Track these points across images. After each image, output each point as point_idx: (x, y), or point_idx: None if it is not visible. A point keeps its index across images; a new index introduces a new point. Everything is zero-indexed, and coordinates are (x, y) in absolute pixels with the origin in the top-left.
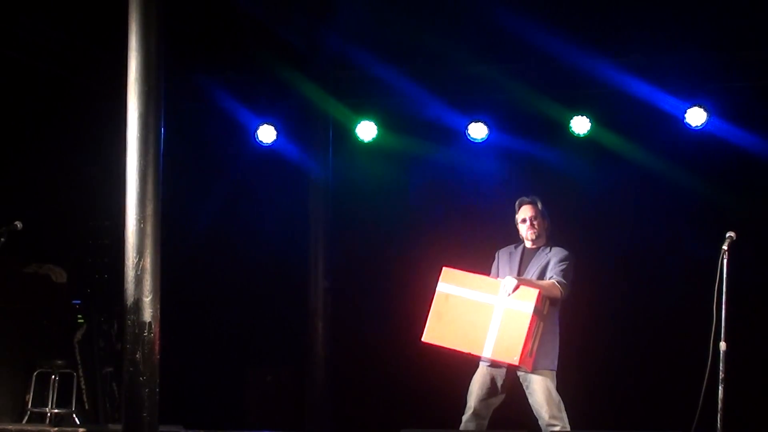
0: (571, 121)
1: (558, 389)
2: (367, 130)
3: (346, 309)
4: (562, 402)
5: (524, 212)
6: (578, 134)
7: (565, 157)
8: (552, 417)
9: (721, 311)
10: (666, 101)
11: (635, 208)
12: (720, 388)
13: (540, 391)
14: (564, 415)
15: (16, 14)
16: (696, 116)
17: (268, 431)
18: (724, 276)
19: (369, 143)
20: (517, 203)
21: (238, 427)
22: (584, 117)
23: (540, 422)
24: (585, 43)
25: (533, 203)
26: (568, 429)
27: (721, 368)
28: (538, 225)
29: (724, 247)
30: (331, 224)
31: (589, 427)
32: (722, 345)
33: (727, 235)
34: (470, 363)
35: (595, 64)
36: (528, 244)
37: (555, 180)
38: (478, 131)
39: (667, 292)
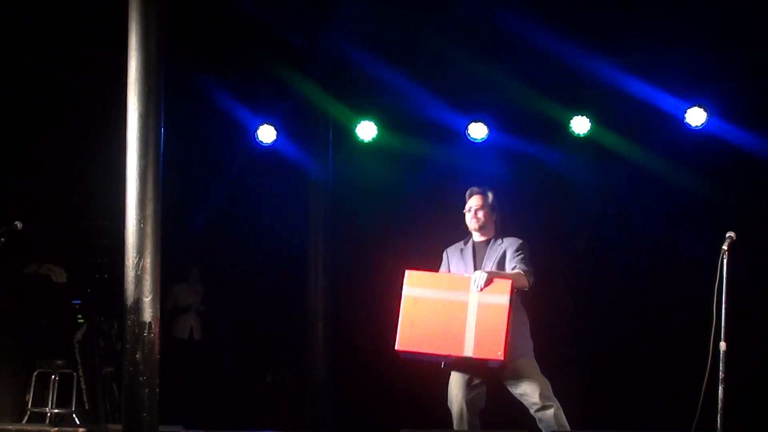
0: (571, 121)
1: (558, 388)
2: (367, 130)
3: (346, 309)
4: (550, 385)
5: (471, 202)
6: (578, 134)
7: (565, 157)
8: (543, 397)
9: (721, 311)
10: (666, 101)
11: (635, 207)
12: (720, 388)
13: (526, 375)
14: (554, 398)
15: (16, 14)
16: (696, 116)
17: (268, 431)
18: (724, 276)
19: (369, 143)
20: (467, 193)
21: (238, 427)
22: (584, 117)
23: (531, 409)
24: (585, 43)
25: (481, 194)
26: (560, 409)
27: (721, 368)
28: (484, 216)
29: (724, 247)
30: (331, 224)
31: (589, 427)
32: (722, 345)
33: (727, 235)
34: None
35: (595, 64)
36: (475, 237)
37: (555, 180)
38: (478, 131)
39: (667, 292)
